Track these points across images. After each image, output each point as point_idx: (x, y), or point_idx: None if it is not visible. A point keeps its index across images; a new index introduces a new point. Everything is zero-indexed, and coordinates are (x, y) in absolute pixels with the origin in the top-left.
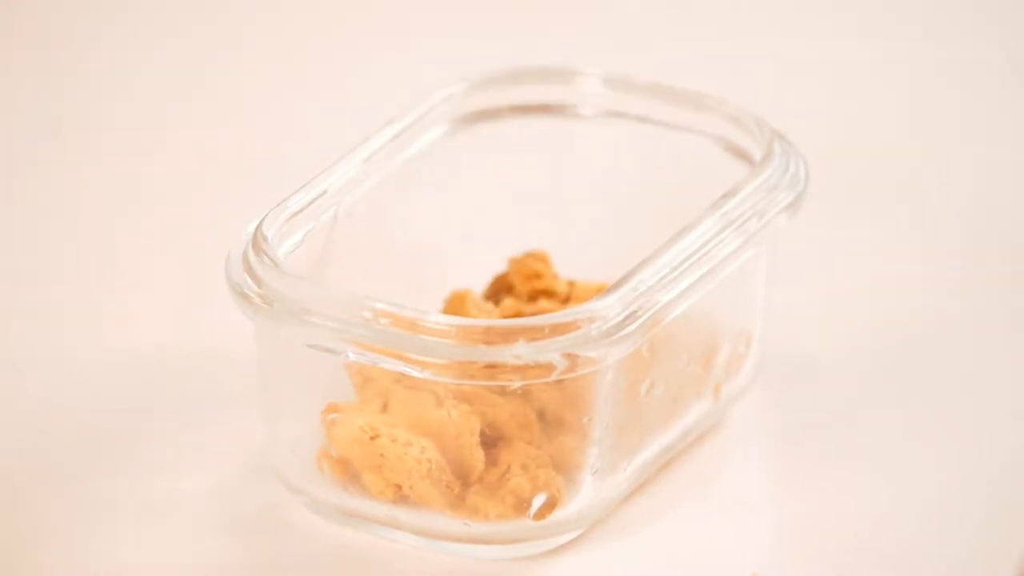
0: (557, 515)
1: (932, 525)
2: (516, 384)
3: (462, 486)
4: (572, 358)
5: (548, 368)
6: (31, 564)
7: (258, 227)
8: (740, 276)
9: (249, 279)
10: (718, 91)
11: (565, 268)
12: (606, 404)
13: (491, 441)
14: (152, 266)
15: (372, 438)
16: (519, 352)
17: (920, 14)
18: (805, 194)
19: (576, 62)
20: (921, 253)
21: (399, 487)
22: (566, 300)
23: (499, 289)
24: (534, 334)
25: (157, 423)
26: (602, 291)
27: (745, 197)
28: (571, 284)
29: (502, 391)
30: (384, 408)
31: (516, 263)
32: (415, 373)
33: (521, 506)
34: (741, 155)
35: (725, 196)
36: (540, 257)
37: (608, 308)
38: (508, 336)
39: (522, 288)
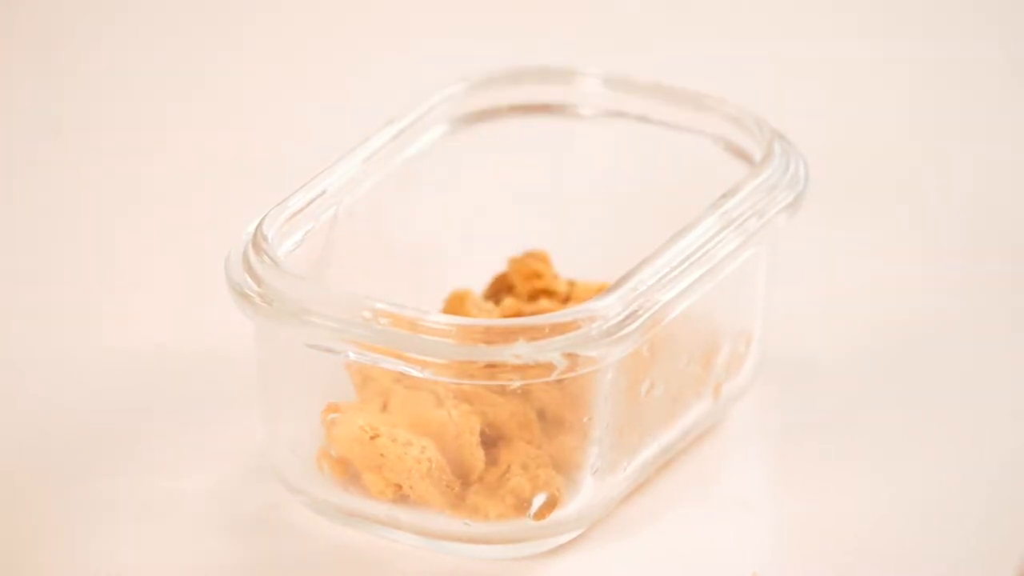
0: (557, 515)
1: (932, 525)
2: (516, 384)
3: (462, 486)
4: (572, 358)
5: (548, 368)
6: (31, 564)
7: (258, 227)
8: (740, 276)
9: (249, 279)
10: (718, 91)
11: (565, 268)
12: (606, 404)
13: (491, 441)
14: (152, 266)
15: (372, 438)
16: (519, 352)
17: (920, 14)
18: (805, 194)
19: (576, 62)
20: (921, 253)
21: (399, 487)
22: (566, 300)
23: (499, 289)
24: (534, 334)
25: (157, 423)
26: (602, 291)
27: (745, 197)
28: (571, 284)
29: (502, 391)
30: (384, 408)
31: (516, 263)
32: (415, 373)
33: (521, 506)
34: (741, 155)
35: (725, 196)
36: (540, 257)
37: (608, 308)
38: (508, 336)
39: (522, 288)
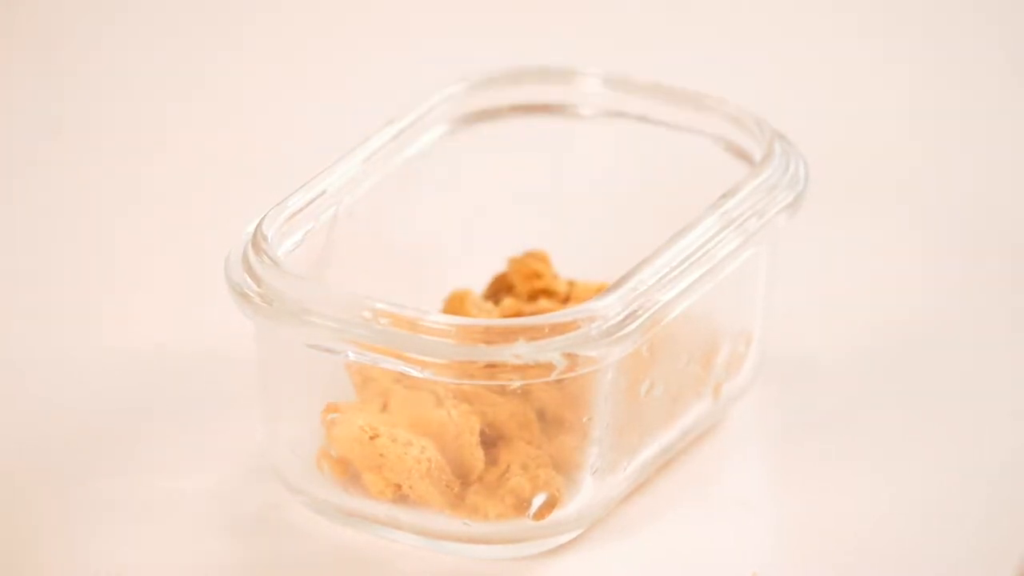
0: (557, 515)
1: (932, 525)
2: (516, 384)
3: (462, 486)
4: (572, 358)
5: (548, 368)
6: (31, 564)
7: (258, 227)
8: (740, 276)
9: (249, 279)
10: (718, 91)
11: (565, 268)
12: (606, 404)
13: (491, 441)
14: (152, 266)
15: (372, 438)
16: (519, 352)
17: (920, 14)
18: (805, 194)
19: (576, 62)
20: (921, 253)
21: (399, 487)
22: (566, 300)
23: (499, 289)
24: (534, 334)
25: (157, 423)
26: (602, 291)
27: (745, 197)
28: (571, 284)
29: (502, 391)
30: (384, 408)
31: (516, 263)
32: (415, 373)
33: (521, 506)
34: (741, 155)
35: (725, 196)
36: (540, 257)
37: (608, 308)
38: (508, 336)
39: (522, 288)
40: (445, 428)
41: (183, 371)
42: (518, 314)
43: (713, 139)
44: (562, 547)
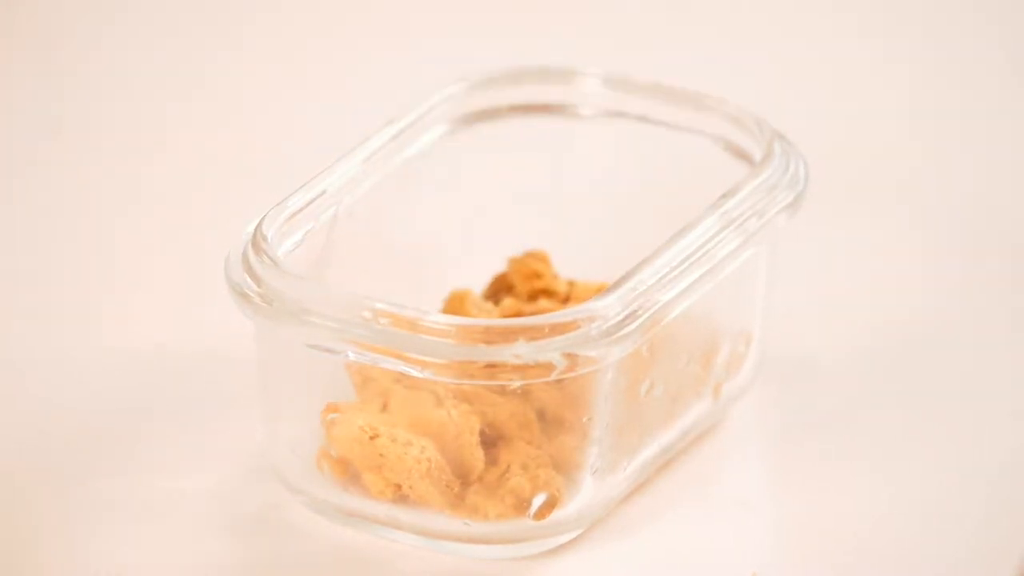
0: (557, 515)
1: (932, 525)
2: (516, 384)
3: (462, 486)
4: (572, 358)
5: (548, 368)
6: (31, 564)
7: (258, 227)
8: (740, 276)
9: (249, 279)
10: (718, 91)
11: (565, 268)
12: (606, 404)
13: (491, 441)
14: (152, 266)
15: (372, 438)
16: (519, 352)
17: (920, 14)
18: (805, 194)
19: (576, 62)
20: (921, 253)
21: (399, 487)
22: (566, 300)
23: (499, 289)
24: (534, 334)
25: (157, 423)
26: (602, 291)
27: (745, 197)
28: (571, 284)
29: (502, 391)
30: (384, 408)
31: (516, 263)
32: (415, 373)
33: (521, 506)
34: (741, 155)
35: (725, 196)
36: (540, 257)
37: (608, 308)
38: (508, 336)
39: (522, 288)
40: (445, 428)
41: (183, 371)
42: (518, 314)
43: (713, 139)
44: (562, 547)
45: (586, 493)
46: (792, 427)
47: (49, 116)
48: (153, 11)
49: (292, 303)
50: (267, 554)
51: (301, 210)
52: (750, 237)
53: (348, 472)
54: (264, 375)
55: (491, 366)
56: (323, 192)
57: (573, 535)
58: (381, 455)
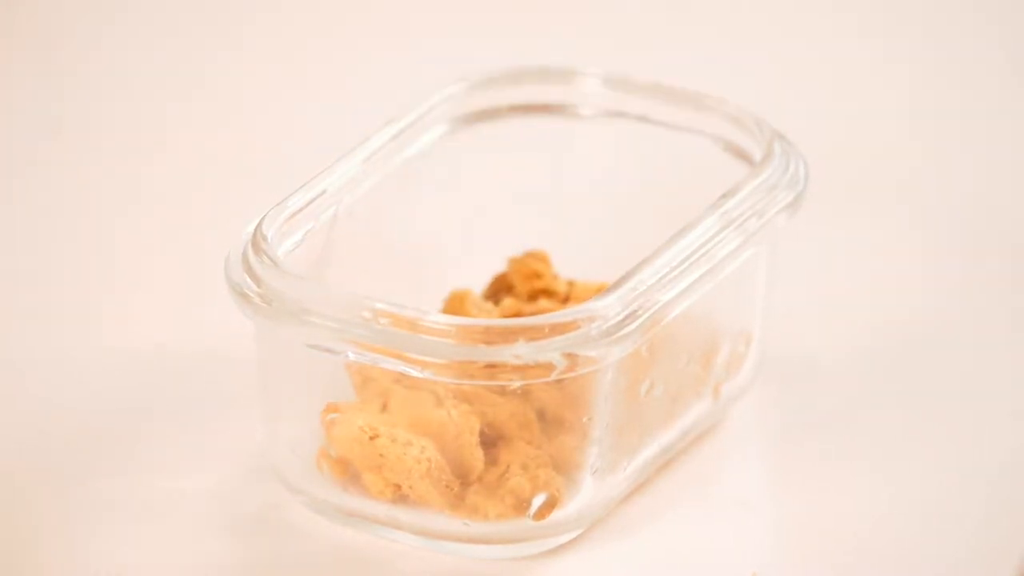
0: (557, 515)
1: (932, 525)
2: (516, 384)
3: (462, 486)
4: (572, 358)
5: (548, 368)
6: (31, 564)
7: (258, 227)
8: (740, 276)
9: (249, 279)
10: (718, 91)
11: (565, 268)
12: (606, 404)
13: (491, 441)
14: (152, 266)
15: (372, 438)
16: (519, 352)
17: (920, 14)
18: (805, 194)
19: (576, 62)
20: (921, 253)
21: (399, 487)
22: (566, 300)
23: (499, 289)
24: (534, 334)
25: (157, 423)
26: (602, 291)
27: (745, 197)
28: (571, 284)
29: (502, 391)
30: (384, 408)
31: (516, 263)
32: (415, 373)
33: (521, 506)
34: (741, 155)
35: (725, 196)
36: (540, 257)
37: (608, 308)
38: (508, 336)
39: (522, 288)
40: (445, 428)
41: (183, 371)
42: (518, 314)
43: (713, 139)
44: (562, 547)
45: (586, 493)
46: (792, 427)
47: (49, 116)
48: (153, 11)
49: (292, 303)
50: (267, 554)
51: (301, 210)
52: (750, 237)
53: (348, 472)
54: (264, 375)
55: (491, 366)
56: (323, 192)
57: (573, 535)
58: (381, 455)
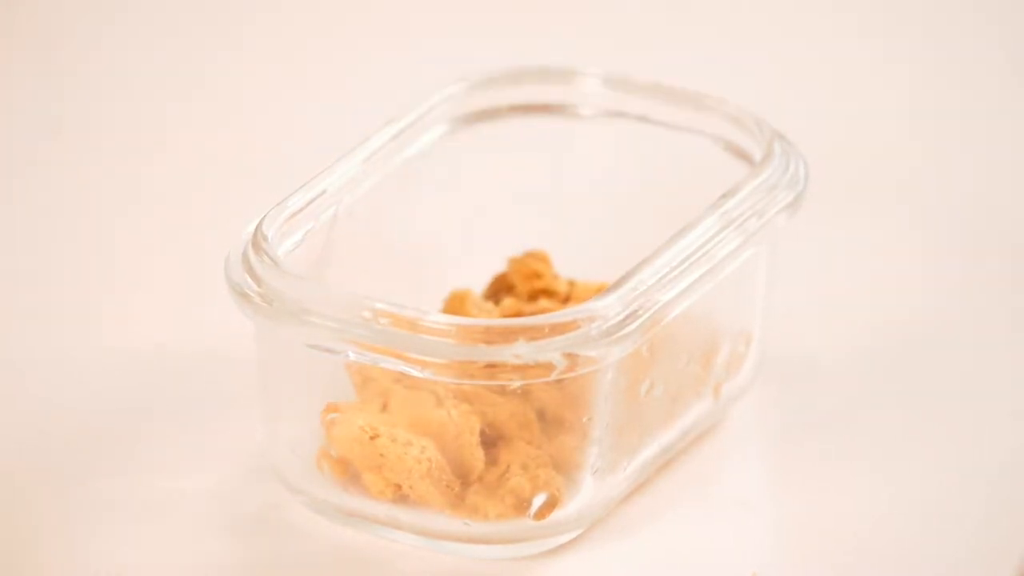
0: (557, 515)
1: (932, 525)
2: (516, 384)
3: (462, 486)
4: (572, 358)
5: (548, 368)
6: (31, 564)
7: (258, 227)
8: (740, 276)
9: (249, 279)
10: (718, 91)
11: (565, 268)
12: (606, 404)
13: (491, 441)
14: (152, 266)
15: (372, 438)
16: (519, 352)
17: (920, 14)
18: (805, 194)
19: (576, 62)
20: (921, 253)
21: (399, 487)
22: (566, 300)
23: (499, 289)
24: (534, 334)
25: (157, 423)
26: (602, 291)
27: (745, 197)
28: (571, 284)
29: (502, 391)
30: (384, 408)
31: (516, 263)
32: (415, 373)
33: (521, 506)
34: (741, 155)
35: (725, 196)
36: (540, 257)
37: (608, 308)
38: (508, 336)
39: (522, 288)
40: (445, 428)
41: (183, 371)
42: (518, 314)
43: (713, 139)
44: (562, 547)
45: (586, 493)
46: (792, 427)
47: (49, 116)
48: (153, 11)
49: (292, 303)
50: (267, 554)
51: (301, 210)
52: (750, 237)
53: (348, 472)
54: (264, 375)
55: (491, 366)
56: (323, 192)
57: (573, 535)
58: (381, 455)
